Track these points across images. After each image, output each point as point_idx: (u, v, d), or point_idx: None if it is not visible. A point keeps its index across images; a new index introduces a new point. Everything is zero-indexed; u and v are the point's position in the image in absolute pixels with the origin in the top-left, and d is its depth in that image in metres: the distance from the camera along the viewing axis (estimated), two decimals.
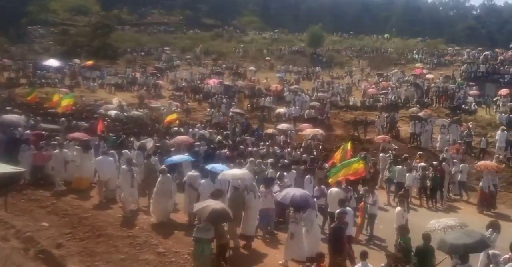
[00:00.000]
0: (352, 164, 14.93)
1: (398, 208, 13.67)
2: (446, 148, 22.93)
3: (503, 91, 32.31)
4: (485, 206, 18.19)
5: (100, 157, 15.23)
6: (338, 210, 11.85)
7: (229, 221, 11.24)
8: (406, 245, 10.53)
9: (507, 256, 9.38)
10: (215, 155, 18.90)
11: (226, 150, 19.51)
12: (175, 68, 48.48)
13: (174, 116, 27.16)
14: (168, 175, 13.70)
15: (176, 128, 24.89)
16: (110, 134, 20.24)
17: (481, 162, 19.84)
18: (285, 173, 15.53)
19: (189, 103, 34.49)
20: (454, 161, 20.72)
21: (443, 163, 20.03)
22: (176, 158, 15.78)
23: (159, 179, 13.43)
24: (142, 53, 58.60)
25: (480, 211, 18.14)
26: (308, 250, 11.57)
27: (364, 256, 9.42)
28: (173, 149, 18.47)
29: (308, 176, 15.91)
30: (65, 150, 15.79)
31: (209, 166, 14.02)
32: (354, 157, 16.69)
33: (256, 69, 48.74)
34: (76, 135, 18.34)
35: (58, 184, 15.37)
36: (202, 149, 19.53)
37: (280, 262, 11.50)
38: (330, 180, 14.89)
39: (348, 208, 12.35)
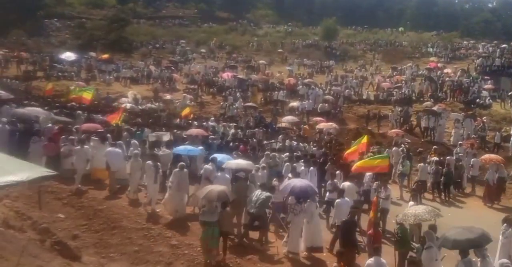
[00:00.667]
0: (378, 159, 15.16)
1: (411, 203, 13.81)
2: (459, 142, 22.68)
3: None
4: (491, 198, 18.20)
5: (109, 149, 15.15)
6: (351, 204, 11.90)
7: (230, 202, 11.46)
8: (402, 235, 10.64)
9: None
10: (229, 148, 18.92)
11: (239, 143, 19.51)
12: (190, 62, 48.49)
13: (188, 110, 27.25)
14: (185, 170, 13.55)
15: (190, 121, 24.96)
16: (131, 128, 20.37)
17: (486, 155, 19.97)
18: (302, 167, 15.65)
19: (203, 97, 34.48)
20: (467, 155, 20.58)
21: (448, 157, 19.92)
22: (183, 148, 15.84)
23: (175, 173, 13.33)
24: (157, 45, 58.64)
25: (485, 204, 18.17)
26: (308, 241, 11.79)
27: (377, 251, 9.37)
28: (187, 142, 18.45)
29: (312, 168, 15.95)
30: (86, 146, 15.29)
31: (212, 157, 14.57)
32: (382, 153, 17.67)
33: (268, 62, 48.56)
34: (89, 125, 18.45)
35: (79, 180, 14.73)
36: (216, 142, 19.55)
37: (284, 251, 11.73)
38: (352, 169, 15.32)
39: (346, 198, 12.68)
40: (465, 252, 8.99)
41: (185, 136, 19.55)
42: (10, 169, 7.41)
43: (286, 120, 26.15)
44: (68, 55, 43.00)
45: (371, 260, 9.15)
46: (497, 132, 24.27)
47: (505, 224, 11.14)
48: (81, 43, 52.49)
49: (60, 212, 12.80)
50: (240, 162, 14.11)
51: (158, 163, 13.99)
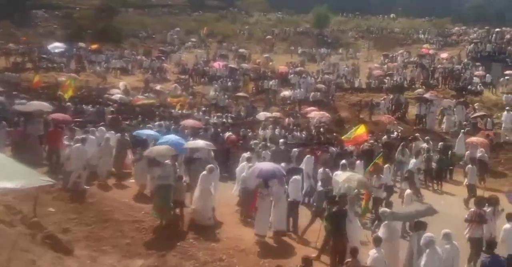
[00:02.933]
0: (355, 131, 17.48)
1: (408, 191, 13.94)
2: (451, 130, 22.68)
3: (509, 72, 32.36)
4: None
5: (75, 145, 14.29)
6: (339, 194, 12.00)
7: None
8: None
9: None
10: (220, 137, 18.97)
11: (230, 133, 19.53)
12: (180, 51, 48.23)
13: (182, 99, 27.35)
14: (214, 172, 12.87)
15: (181, 111, 24.99)
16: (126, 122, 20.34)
17: (472, 138, 20.55)
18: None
19: (194, 87, 34.37)
20: None
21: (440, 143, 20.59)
22: (146, 132, 16.19)
23: (204, 177, 12.60)
24: (145, 34, 58.24)
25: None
26: (274, 224, 12.03)
27: (377, 241, 9.45)
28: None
29: (308, 155, 16.16)
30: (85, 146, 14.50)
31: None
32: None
33: (260, 51, 48.50)
34: (58, 115, 18.48)
35: (74, 181, 13.96)
36: (209, 133, 19.55)
37: (253, 234, 11.95)
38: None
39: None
40: (420, 226, 9.84)
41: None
42: (5, 174, 7.16)
43: (259, 117, 25.39)
44: (57, 46, 42.61)
45: (372, 251, 9.24)
46: (488, 119, 24.38)
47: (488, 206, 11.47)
48: (70, 33, 51.97)
49: (50, 206, 12.79)
50: (200, 142, 14.82)
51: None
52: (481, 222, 10.94)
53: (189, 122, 20.35)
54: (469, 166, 16.80)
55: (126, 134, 16.28)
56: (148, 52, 46.61)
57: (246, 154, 15.73)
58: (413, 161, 17.55)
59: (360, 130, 18.80)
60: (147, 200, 13.50)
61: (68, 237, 11.05)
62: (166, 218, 12.09)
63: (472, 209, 11.42)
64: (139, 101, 26.20)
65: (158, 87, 32.28)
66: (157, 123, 19.75)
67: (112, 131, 16.86)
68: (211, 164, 13.16)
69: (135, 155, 15.22)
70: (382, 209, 11.09)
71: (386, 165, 15.89)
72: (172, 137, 14.91)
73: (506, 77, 32.16)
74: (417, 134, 22.28)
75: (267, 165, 12.90)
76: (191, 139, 17.08)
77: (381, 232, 10.23)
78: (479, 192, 15.58)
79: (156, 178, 12.54)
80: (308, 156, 16.19)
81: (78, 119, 18.85)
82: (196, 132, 19.16)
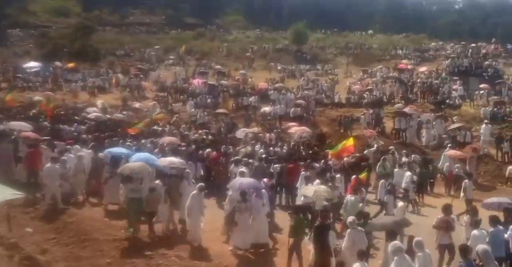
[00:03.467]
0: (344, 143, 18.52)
1: (400, 203, 14.28)
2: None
3: (483, 86, 33.51)
4: (451, 188, 19.60)
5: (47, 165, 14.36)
6: (320, 208, 12.18)
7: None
8: (296, 224, 11.36)
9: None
10: (199, 155, 18.94)
11: (209, 150, 19.53)
12: (158, 69, 48.30)
13: (160, 115, 27.24)
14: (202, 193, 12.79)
15: (160, 128, 24.94)
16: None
17: (451, 151, 21.21)
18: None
19: (173, 104, 34.36)
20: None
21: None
22: (117, 150, 16.16)
23: (194, 196, 12.44)
24: (123, 52, 58.24)
25: (447, 192, 19.35)
26: (253, 238, 12.10)
27: (361, 255, 9.42)
28: (156, 150, 18.37)
29: (303, 172, 16.43)
30: (58, 165, 14.41)
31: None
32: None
33: (238, 68, 48.92)
34: (28, 134, 18.56)
35: (48, 199, 14.04)
36: (187, 150, 19.52)
37: (230, 248, 12.11)
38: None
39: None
40: (392, 235, 10.27)
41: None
42: None
43: (239, 135, 25.09)
44: (32, 65, 42.35)
45: (356, 265, 9.21)
46: (467, 132, 24.88)
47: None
48: (45, 52, 51.67)
49: (28, 226, 12.61)
50: (174, 160, 14.90)
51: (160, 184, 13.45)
52: (448, 229, 11.43)
53: (167, 139, 20.31)
54: (466, 181, 16.97)
55: (99, 152, 16.14)
56: (126, 70, 46.52)
57: (241, 169, 15.76)
58: (407, 173, 17.82)
59: (349, 143, 19.18)
60: (122, 217, 13.33)
61: (46, 258, 10.90)
62: (138, 231, 12.48)
63: (440, 216, 11.89)
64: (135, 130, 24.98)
65: (137, 105, 32.21)
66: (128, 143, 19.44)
67: (88, 150, 16.71)
68: (186, 179, 13.51)
69: (107, 173, 15.12)
70: (350, 217, 11.32)
71: (382, 181, 16.40)
72: (144, 155, 14.93)
73: (481, 91, 32.93)
74: (391, 147, 22.61)
75: (247, 179, 13.23)
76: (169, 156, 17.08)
77: (345, 240, 10.71)
78: (449, 200, 15.83)
79: (128, 192, 12.72)
80: (302, 172, 16.42)
81: (46, 138, 18.65)
82: (176, 149, 19.10)
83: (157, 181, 13.23)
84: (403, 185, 17.42)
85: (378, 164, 19.63)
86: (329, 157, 19.44)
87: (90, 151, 16.59)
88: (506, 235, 10.76)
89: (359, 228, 10.80)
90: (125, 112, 30.08)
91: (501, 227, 10.90)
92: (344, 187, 16.41)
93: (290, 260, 11.24)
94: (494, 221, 11.08)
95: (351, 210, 13.31)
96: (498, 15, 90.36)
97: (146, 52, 57.43)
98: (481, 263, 8.68)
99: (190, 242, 12.27)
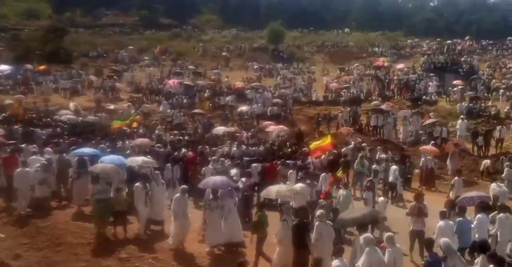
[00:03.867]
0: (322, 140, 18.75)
1: (381, 198, 14.65)
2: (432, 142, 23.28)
3: (456, 82, 34.33)
4: (426, 183, 20.11)
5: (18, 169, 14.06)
6: (298, 206, 12.25)
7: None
8: (260, 220, 11.54)
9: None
10: (175, 156, 18.85)
11: (185, 150, 19.45)
12: (133, 70, 47.95)
13: (136, 118, 26.92)
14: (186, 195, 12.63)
15: (135, 130, 24.75)
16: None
17: (424, 146, 21.72)
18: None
19: (146, 105, 34.12)
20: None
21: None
22: (85, 150, 15.93)
23: (177, 199, 12.28)
24: (96, 53, 57.67)
25: (420, 186, 19.61)
26: (226, 237, 12.10)
27: (339, 252, 9.51)
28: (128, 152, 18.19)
29: (291, 170, 16.72)
30: (27, 169, 14.15)
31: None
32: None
33: (214, 67, 48.88)
34: None
35: (21, 207, 13.76)
36: (163, 151, 19.41)
37: (207, 249, 12.01)
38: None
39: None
40: (364, 227, 10.28)
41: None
42: None
43: (217, 131, 25.42)
44: (3, 69, 41.68)
45: (335, 262, 9.26)
46: (443, 127, 25.25)
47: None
48: (17, 55, 50.87)
49: (0, 232, 12.42)
50: (146, 159, 14.95)
51: (147, 184, 13.26)
52: (420, 215, 11.89)
53: (139, 141, 20.15)
54: (456, 178, 17.11)
55: (64, 154, 15.93)
56: (100, 72, 46.08)
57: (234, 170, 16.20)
58: (394, 167, 18.25)
59: (326, 140, 19.33)
60: (90, 219, 13.24)
61: (19, 263, 10.80)
62: (105, 229, 12.54)
63: (412, 203, 12.42)
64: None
65: (111, 107, 31.93)
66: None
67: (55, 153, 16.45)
68: (155, 180, 13.35)
69: (74, 174, 14.96)
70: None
71: (291, 171, 16.76)
72: (112, 157, 14.77)
73: (455, 88, 33.54)
74: (364, 144, 22.83)
75: (220, 177, 13.19)
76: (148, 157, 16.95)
77: (313, 232, 10.75)
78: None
79: (95, 193, 12.71)
80: (290, 171, 16.77)
81: (11, 142, 18.33)
82: (150, 151, 18.98)
83: (138, 183, 12.91)
84: (390, 179, 17.92)
85: (356, 161, 19.91)
86: (309, 155, 19.61)
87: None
88: (472, 225, 11.14)
89: (327, 221, 10.93)
90: (99, 114, 29.76)
91: (468, 218, 11.39)
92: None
93: (257, 258, 11.34)
94: (461, 210, 11.60)
95: (344, 205, 13.50)
96: (473, 12, 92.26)
97: (120, 54, 56.89)
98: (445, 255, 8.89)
99: (167, 244, 12.22)
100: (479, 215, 11.36)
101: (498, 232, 11.05)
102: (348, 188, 15.60)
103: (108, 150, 17.37)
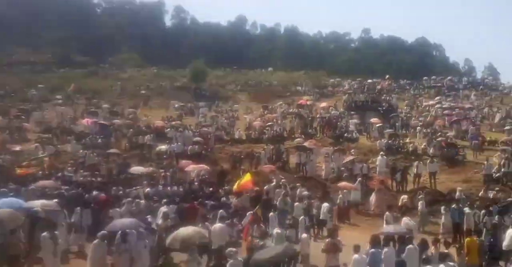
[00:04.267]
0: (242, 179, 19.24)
1: (304, 235, 14.97)
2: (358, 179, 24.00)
3: (374, 120, 35.98)
4: (342, 218, 21.03)
5: None
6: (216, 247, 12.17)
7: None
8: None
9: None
10: (85, 198, 18.15)
11: (97, 192, 18.82)
12: (43, 109, 46.19)
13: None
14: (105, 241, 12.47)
15: (41, 172, 23.69)
16: None
17: (342, 183, 22.81)
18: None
19: (58, 146, 32.82)
20: None
21: None
22: None
23: (95, 246, 12.34)
24: (2, 92, 55.17)
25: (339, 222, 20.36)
26: None
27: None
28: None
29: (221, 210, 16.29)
30: None
31: None
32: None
33: (132, 106, 48.28)
34: None
35: None
36: (71, 194, 18.61)
37: None
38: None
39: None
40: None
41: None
42: None
43: (138, 170, 25.16)
44: None
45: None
46: (364, 164, 26.14)
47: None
48: None
49: None
50: (46, 202, 14.79)
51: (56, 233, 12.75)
52: (335, 251, 12.55)
53: (40, 183, 19.28)
54: (387, 213, 18.16)
55: None
56: (6, 112, 43.97)
57: (163, 208, 16.15)
58: (325, 204, 19.23)
59: (246, 178, 19.65)
60: None
61: None
62: None
63: (327, 240, 13.10)
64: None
65: (17, 148, 30.38)
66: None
67: None
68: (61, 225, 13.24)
69: None
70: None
71: (271, 214, 17.09)
72: (11, 200, 14.22)
73: (375, 125, 35.07)
74: (298, 184, 23.20)
75: (128, 219, 13.08)
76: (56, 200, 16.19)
77: None
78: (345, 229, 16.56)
79: None
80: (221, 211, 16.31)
81: None
82: (57, 194, 18.12)
83: (45, 233, 12.33)
84: (321, 216, 18.77)
85: (279, 199, 20.10)
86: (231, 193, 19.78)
87: None
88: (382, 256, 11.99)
89: (239, 258, 11.20)
90: (2, 156, 28.19)
91: (380, 250, 12.21)
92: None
93: None
94: (374, 241, 12.36)
95: (278, 243, 13.63)
96: (392, 52, 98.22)
97: (29, 92, 54.82)
98: None
99: None
100: (385, 249, 12.36)
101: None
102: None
103: (10, 194, 16.44)
